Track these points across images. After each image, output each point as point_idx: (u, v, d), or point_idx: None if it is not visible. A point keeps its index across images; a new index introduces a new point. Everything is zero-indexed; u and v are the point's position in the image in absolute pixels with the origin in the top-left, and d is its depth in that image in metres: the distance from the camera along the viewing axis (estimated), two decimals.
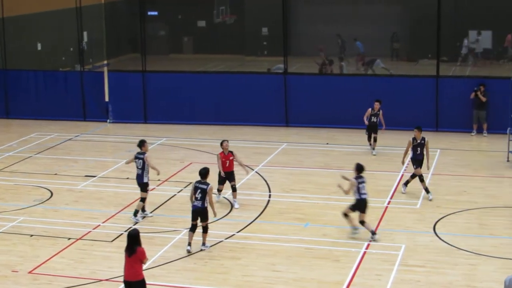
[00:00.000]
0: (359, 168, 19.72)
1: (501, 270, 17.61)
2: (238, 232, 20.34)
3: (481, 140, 30.15)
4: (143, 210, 21.42)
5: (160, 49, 44.22)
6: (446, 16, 35.05)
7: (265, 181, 24.80)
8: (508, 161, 26.66)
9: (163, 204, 22.67)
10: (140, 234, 14.87)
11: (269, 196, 23.26)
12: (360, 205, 19.49)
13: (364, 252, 18.81)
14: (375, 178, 24.70)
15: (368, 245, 19.22)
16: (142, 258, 14.76)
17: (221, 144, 22.28)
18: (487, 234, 20.12)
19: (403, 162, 23.62)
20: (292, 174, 25.63)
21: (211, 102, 33.25)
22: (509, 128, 26.73)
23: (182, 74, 34.80)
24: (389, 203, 22.58)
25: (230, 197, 22.58)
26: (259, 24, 44.16)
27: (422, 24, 39.32)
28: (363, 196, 19.47)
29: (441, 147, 28.34)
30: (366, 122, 27.80)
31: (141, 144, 21.37)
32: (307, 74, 35.10)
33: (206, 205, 18.62)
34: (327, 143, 29.71)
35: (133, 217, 21.14)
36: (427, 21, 35.45)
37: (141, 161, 20.99)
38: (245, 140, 30.29)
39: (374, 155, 27.61)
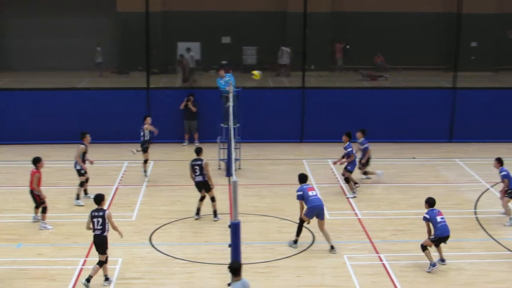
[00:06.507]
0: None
1: (216, 275, 18.11)
2: None
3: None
4: None
5: None
6: (154, 28, 35.55)
7: None
8: (219, 168, 27.43)
9: None
10: None
11: None
12: None
13: (81, 269, 18.54)
14: (90, 193, 24.50)
15: (85, 261, 18.98)
16: None
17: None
18: (202, 241, 20.59)
19: None
20: (4, 193, 24.73)
21: None
22: (219, 137, 27.52)
23: None
24: None
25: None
26: None
27: (131, 37, 39.50)
28: None
29: (155, 159, 28.60)
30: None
31: None
32: (19, 89, 33.76)
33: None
34: None
35: None
36: (136, 33, 35.75)
37: None
38: None
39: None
